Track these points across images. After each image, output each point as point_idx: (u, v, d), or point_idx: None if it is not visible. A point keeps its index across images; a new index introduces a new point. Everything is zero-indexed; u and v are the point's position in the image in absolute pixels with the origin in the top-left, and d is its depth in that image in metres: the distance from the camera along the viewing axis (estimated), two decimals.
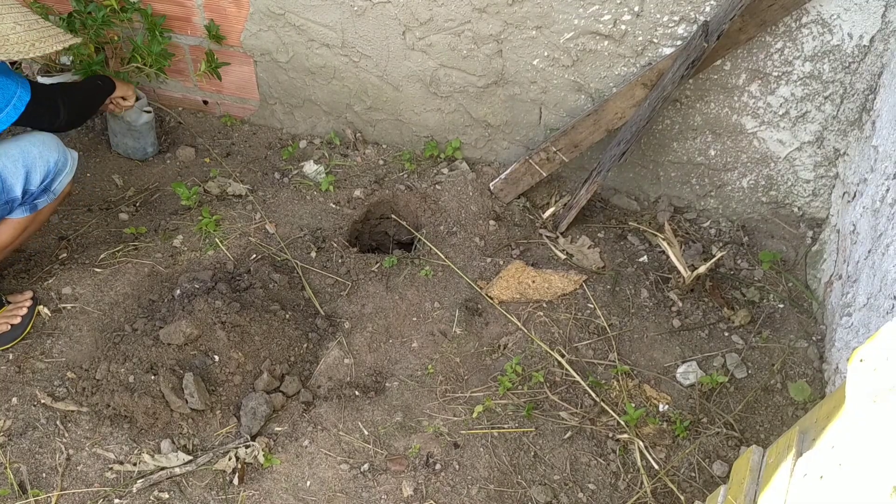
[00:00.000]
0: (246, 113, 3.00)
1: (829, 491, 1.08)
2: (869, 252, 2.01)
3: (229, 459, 1.98)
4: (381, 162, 2.83)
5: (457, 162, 2.77)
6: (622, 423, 2.07)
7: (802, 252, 2.50)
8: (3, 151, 2.05)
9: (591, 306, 2.36)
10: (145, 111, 2.77)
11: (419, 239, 2.58)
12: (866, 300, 1.96)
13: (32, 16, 2.07)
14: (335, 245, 2.54)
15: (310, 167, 2.79)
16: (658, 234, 2.52)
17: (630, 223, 2.63)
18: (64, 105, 2.20)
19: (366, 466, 1.99)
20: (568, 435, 2.06)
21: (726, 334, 2.30)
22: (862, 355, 1.08)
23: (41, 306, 2.26)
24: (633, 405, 2.11)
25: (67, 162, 2.20)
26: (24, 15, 2.04)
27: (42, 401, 2.07)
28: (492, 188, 2.66)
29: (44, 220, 2.29)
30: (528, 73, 2.47)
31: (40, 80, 2.82)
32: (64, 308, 2.28)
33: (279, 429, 2.08)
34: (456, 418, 2.10)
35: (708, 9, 2.16)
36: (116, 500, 1.92)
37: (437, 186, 2.67)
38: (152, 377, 2.07)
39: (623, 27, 2.26)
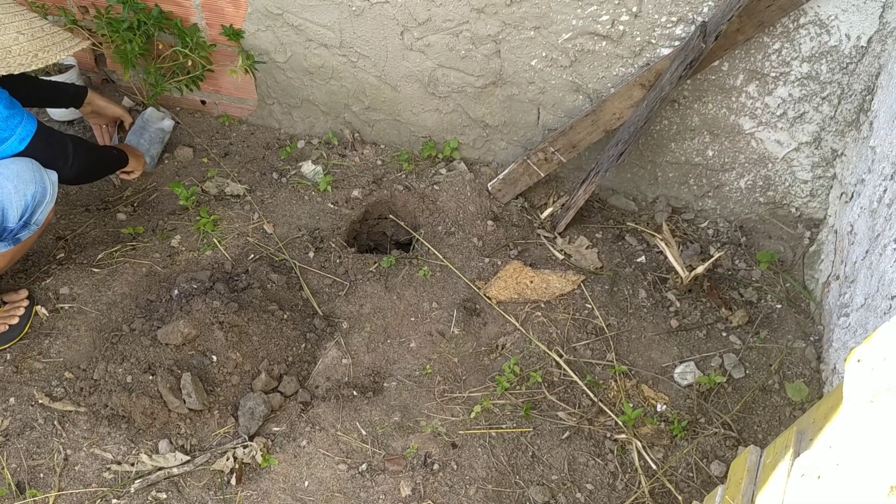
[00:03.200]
0: (244, 113, 3.00)
1: (827, 491, 1.08)
2: (866, 252, 2.02)
3: (227, 459, 1.98)
4: (379, 162, 2.83)
5: (455, 162, 2.77)
6: (620, 423, 2.07)
7: (800, 252, 2.51)
8: None
9: (589, 306, 2.36)
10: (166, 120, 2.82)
11: (417, 239, 2.58)
12: (864, 300, 1.96)
13: (38, 22, 1.98)
14: (333, 245, 2.54)
15: (308, 167, 2.79)
16: (656, 234, 2.52)
17: (628, 223, 2.63)
18: (76, 152, 2.14)
19: (364, 466, 1.99)
20: (566, 435, 2.06)
21: (724, 334, 2.30)
22: (859, 355, 1.08)
23: (39, 306, 2.26)
24: (631, 405, 2.11)
25: (46, 192, 2.05)
26: (29, 22, 1.95)
27: (40, 401, 2.07)
28: (490, 188, 2.66)
29: (31, 245, 2.21)
30: (527, 73, 2.47)
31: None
32: (62, 308, 2.28)
33: (277, 429, 2.07)
34: (454, 418, 2.10)
35: (706, 9, 2.16)
36: (114, 501, 1.92)
37: (436, 186, 2.67)
38: (150, 377, 2.06)
39: (621, 28, 2.26)
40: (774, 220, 2.57)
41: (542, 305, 2.36)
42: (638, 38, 2.27)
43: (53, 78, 2.80)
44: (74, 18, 2.79)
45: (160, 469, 1.97)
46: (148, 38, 2.67)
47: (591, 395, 2.14)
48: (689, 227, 2.62)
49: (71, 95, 2.55)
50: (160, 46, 2.74)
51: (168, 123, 2.82)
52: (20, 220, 2.02)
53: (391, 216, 2.72)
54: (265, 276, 2.38)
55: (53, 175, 2.10)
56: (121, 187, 2.75)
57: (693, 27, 2.20)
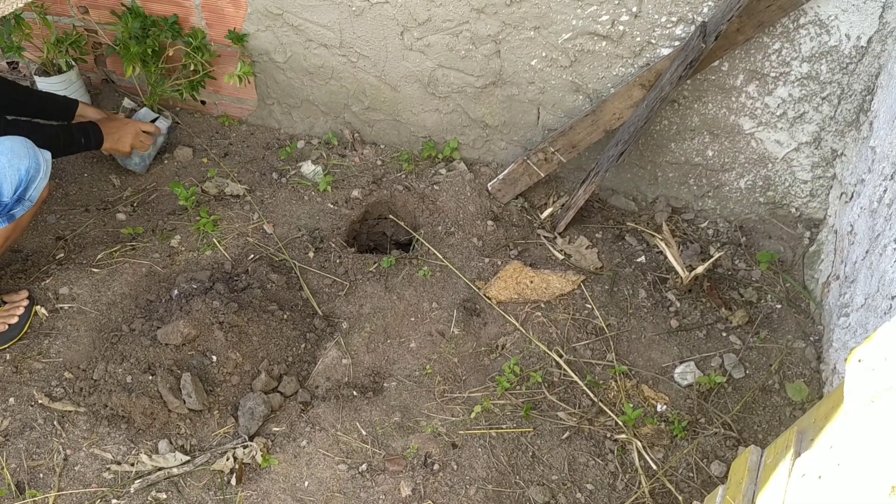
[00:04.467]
0: (244, 113, 3.00)
1: (828, 491, 1.08)
2: (866, 252, 2.02)
3: (227, 460, 1.98)
4: (378, 162, 2.83)
5: (455, 162, 2.77)
6: (620, 423, 2.07)
7: (800, 252, 2.51)
8: None
9: (589, 306, 2.36)
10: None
11: (417, 239, 2.58)
12: (864, 300, 1.96)
13: None
14: (333, 245, 2.54)
15: (308, 167, 2.79)
16: (656, 234, 2.52)
17: (628, 223, 2.63)
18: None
19: (364, 467, 1.99)
20: (566, 435, 2.06)
21: (724, 334, 2.30)
22: (860, 355, 1.08)
23: (38, 306, 2.26)
24: (631, 405, 2.11)
25: (40, 167, 2.09)
26: None
27: (39, 401, 2.07)
28: (490, 188, 2.66)
29: (26, 225, 2.23)
30: (526, 73, 2.47)
31: (38, 80, 2.82)
32: (61, 308, 2.28)
33: (277, 429, 2.07)
34: (454, 418, 2.10)
35: (706, 9, 2.16)
36: (114, 501, 1.91)
37: (435, 187, 2.67)
38: (150, 377, 2.06)
39: (621, 28, 2.26)
40: (774, 220, 2.57)
41: (542, 305, 2.36)
42: (638, 39, 2.27)
43: (53, 79, 2.80)
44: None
45: (160, 469, 1.97)
46: (158, 44, 2.69)
47: (591, 395, 2.14)
48: (688, 227, 2.62)
49: (61, 107, 2.53)
50: (170, 53, 2.75)
51: (163, 124, 2.78)
52: (14, 194, 2.05)
53: (391, 216, 2.72)
54: (265, 276, 2.38)
55: (47, 153, 2.14)
56: (121, 187, 2.75)
57: (693, 27, 2.20)
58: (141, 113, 2.77)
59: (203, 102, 3.01)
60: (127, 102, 2.96)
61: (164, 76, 2.80)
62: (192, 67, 2.72)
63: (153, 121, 2.76)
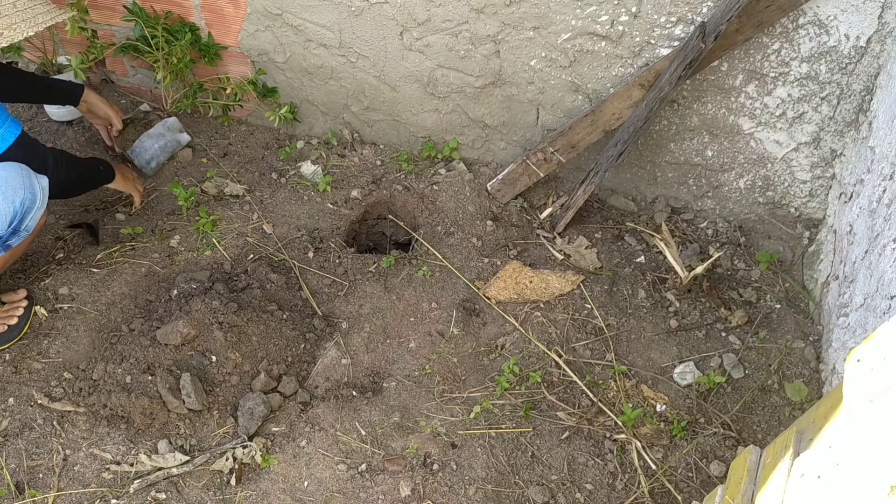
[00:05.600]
0: (243, 113, 3.00)
1: (827, 491, 1.08)
2: (866, 252, 2.02)
3: (226, 460, 1.98)
4: (378, 162, 2.83)
5: (454, 162, 2.77)
6: (620, 423, 2.07)
7: (799, 252, 2.51)
8: None
9: (589, 307, 2.36)
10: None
11: (416, 239, 2.58)
12: (863, 300, 1.96)
13: None
14: (332, 245, 2.54)
15: (307, 167, 2.79)
16: (655, 234, 2.52)
17: (627, 224, 2.63)
18: (56, 167, 2.10)
19: (363, 467, 1.99)
20: (565, 435, 2.06)
21: (723, 334, 2.30)
22: (859, 355, 1.08)
23: (38, 306, 2.26)
24: (631, 405, 2.11)
25: (36, 198, 2.00)
26: None
27: (39, 401, 2.07)
28: (489, 189, 2.66)
29: (24, 250, 2.18)
30: (526, 73, 2.47)
31: None
32: (61, 308, 2.28)
33: (276, 429, 2.07)
34: (453, 418, 2.10)
35: (705, 10, 2.16)
36: (113, 501, 1.91)
37: (435, 187, 2.67)
38: (149, 377, 2.06)
39: (620, 28, 2.26)
40: (773, 220, 2.57)
41: (542, 305, 2.36)
42: (637, 39, 2.28)
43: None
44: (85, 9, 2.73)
45: (159, 469, 1.97)
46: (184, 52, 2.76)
47: (591, 395, 2.14)
48: (688, 228, 2.63)
49: (65, 92, 2.48)
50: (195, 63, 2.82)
51: (185, 137, 2.85)
52: (9, 227, 1.99)
53: (390, 216, 2.72)
54: (264, 277, 2.38)
55: (44, 180, 2.06)
56: None
57: (692, 27, 2.21)
58: (170, 122, 2.81)
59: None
60: (144, 106, 2.98)
61: (197, 90, 2.87)
62: (227, 90, 2.82)
63: (181, 132, 2.86)
